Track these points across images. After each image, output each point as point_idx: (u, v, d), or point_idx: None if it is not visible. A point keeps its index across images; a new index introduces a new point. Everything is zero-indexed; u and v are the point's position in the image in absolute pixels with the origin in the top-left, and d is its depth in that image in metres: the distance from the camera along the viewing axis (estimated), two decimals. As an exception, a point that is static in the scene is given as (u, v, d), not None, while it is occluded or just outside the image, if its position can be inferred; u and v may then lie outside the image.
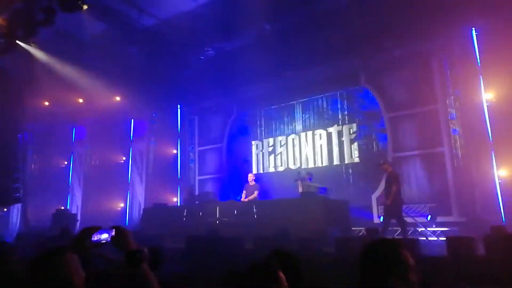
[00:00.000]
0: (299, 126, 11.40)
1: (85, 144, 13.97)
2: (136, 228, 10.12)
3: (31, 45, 9.66)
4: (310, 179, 9.09)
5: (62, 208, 11.57)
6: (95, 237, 2.21)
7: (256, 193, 9.44)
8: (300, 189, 8.62)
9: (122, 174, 13.52)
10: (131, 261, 1.86)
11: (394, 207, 7.13)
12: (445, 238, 5.59)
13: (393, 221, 7.25)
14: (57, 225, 9.38)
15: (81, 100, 12.87)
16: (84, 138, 14.06)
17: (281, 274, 1.52)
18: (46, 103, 12.32)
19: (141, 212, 11.07)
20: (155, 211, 9.92)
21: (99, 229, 2.19)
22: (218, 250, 5.79)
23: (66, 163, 14.01)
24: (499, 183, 7.76)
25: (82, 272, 1.89)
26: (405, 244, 1.50)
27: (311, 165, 10.89)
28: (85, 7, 8.62)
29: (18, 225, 11.08)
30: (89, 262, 2.08)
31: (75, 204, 13.51)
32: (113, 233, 2.20)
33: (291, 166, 11.28)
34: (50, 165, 13.28)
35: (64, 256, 1.86)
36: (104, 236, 2.58)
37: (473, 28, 8.61)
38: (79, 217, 11.82)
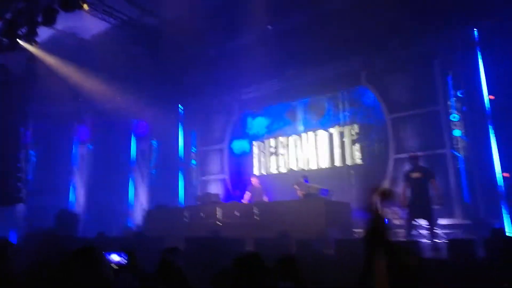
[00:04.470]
0: (300, 127, 11.38)
1: (87, 144, 14.01)
2: (139, 229, 10.12)
3: (32, 45, 9.67)
4: (306, 181, 9.06)
5: (65, 208, 11.60)
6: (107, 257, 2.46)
7: (266, 199, 9.44)
8: (300, 193, 8.58)
9: (124, 175, 13.54)
10: None
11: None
12: (447, 241, 5.58)
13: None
14: (60, 225, 9.40)
15: (83, 100, 12.88)
16: (86, 138, 14.09)
17: None
18: (48, 103, 12.35)
19: (143, 213, 11.08)
20: (157, 212, 9.92)
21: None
22: (218, 251, 5.79)
23: (68, 163, 14.05)
24: (503, 185, 7.72)
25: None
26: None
27: (313, 166, 10.86)
28: (86, 6, 8.62)
29: (22, 225, 11.10)
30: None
31: (78, 204, 13.54)
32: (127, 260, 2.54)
33: (293, 167, 11.25)
34: (52, 165, 13.32)
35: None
36: (115, 257, 2.82)
37: (475, 29, 8.56)
38: (81, 218, 11.84)
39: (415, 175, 6.81)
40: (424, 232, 7.09)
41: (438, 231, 7.01)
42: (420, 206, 6.57)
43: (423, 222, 6.87)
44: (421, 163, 7.18)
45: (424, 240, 6.68)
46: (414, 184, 6.79)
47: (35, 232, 8.80)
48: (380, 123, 9.89)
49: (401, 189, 6.94)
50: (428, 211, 6.52)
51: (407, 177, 6.93)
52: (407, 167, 7.20)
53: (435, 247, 6.16)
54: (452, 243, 5.04)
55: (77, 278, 2.08)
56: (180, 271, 3.17)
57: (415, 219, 6.73)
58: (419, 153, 7.36)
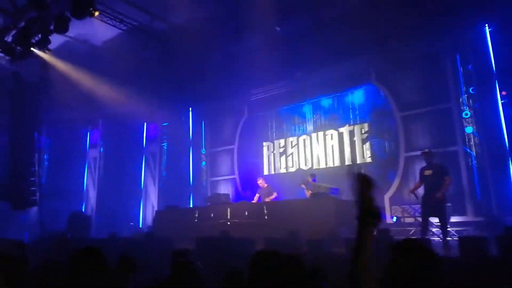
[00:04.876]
0: (310, 127, 11.36)
1: (99, 148, 14.23)
2: (149, 230, 10.22)
3: (45, 52, 9.88)
4: (314, 180, 9.01)
5: (77, 211, 11.78)
6: None
7: (275, 194, 9.44)
8: (308, 193, 8.54)
9: (135, 177, 13.71)
10: None
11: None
12: (458, 238, 5.50)
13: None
14: (73, 227, 9.55)
15: (95, 105, 13.08)
16: (98, 142, 14.31)
17: None
18: (61, 108, 12.58)
19: (154, 214, 11.19)
20: (167, 213, 10.01)
21: None
22: (229, 251, 5.81)
23: (81, 166, 14.29)
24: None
25: None
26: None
27: (322, 165, 10.83)
28: (96, 13, 8.78)
29: (36, 227, 11.31)
30: None
31: (90, 207, 13.75)
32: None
33: (303, 167, 11.23)
34: (65, 169, 13.57)
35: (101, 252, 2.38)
36: None
37: (487, 25, 8.44)
38: (93, 220, 12.01)
39: (427, 172, 6.69)
40: (436, 230, 7.00)
41: (450, 229, 6.91)
42: (432, 203, 6.41)
43: (435, 220, 6.79)
44: (435, 160, 7.02)
45: (436, 238, 6.60)
46: (426, 181, 6.67)
47: (48, 234, 8.96)
48: (390, 122, 9.80)
49: (414, 184, 6.93)
50: (439, 209, 6.32)
51: (421, 174, 6.86)
52: (423, 164, 7.03)
53: (446, 245, 6.08)
54: (464, 240, 4.96)
55: (82, 277, 2.16)
56: (197, 272, 3.20)
57: (428, 217, 6.61)
58: (432, 150, 7.24)
